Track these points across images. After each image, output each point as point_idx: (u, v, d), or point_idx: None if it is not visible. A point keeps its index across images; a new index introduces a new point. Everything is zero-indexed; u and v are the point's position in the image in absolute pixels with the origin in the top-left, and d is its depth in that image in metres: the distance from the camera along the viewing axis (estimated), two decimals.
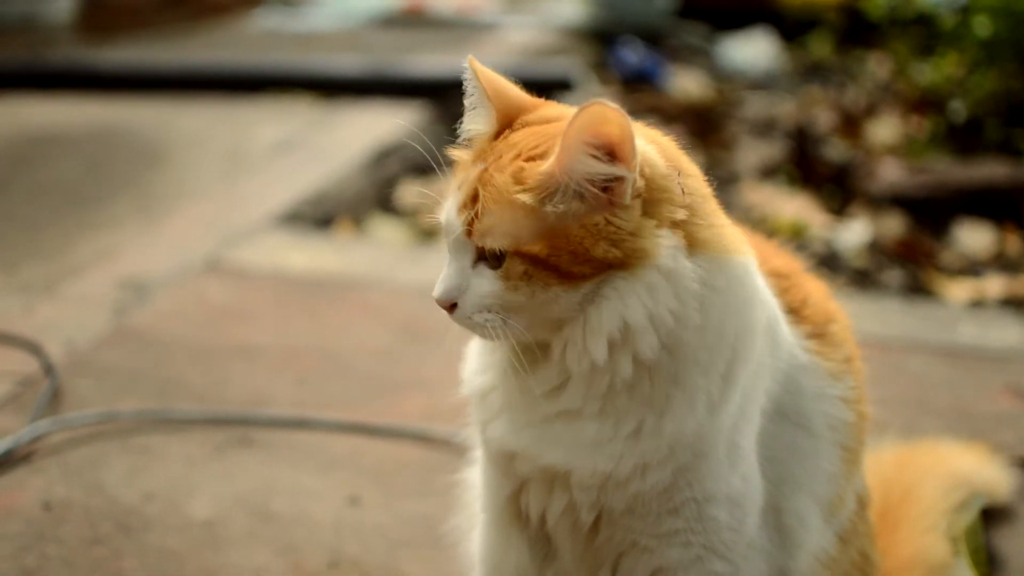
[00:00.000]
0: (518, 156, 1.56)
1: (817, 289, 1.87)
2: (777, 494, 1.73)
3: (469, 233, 1.56)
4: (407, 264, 4.06)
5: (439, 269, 1.63)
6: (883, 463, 2.40)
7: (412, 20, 9.02)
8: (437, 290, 1.59)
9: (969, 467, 2.53)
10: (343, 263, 4.04)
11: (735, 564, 1.69)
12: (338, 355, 3.32)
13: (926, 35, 6.57)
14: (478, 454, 1.88)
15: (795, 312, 1.78)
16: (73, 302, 3.58)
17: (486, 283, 1.56)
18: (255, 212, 4.46)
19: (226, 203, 4.65)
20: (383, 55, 6.93)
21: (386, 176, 5.12)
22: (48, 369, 3.05)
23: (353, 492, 2.62)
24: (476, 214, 1.55)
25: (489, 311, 1.57)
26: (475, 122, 1.67)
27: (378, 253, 4.27)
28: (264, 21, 8.52)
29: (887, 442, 2.48)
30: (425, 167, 5.11)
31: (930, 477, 2.42)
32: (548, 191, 1.51)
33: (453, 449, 2.01)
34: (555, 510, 1.70)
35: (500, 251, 1.54)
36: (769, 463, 1.72)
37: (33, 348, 3.15)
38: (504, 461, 1.70)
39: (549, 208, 1.51)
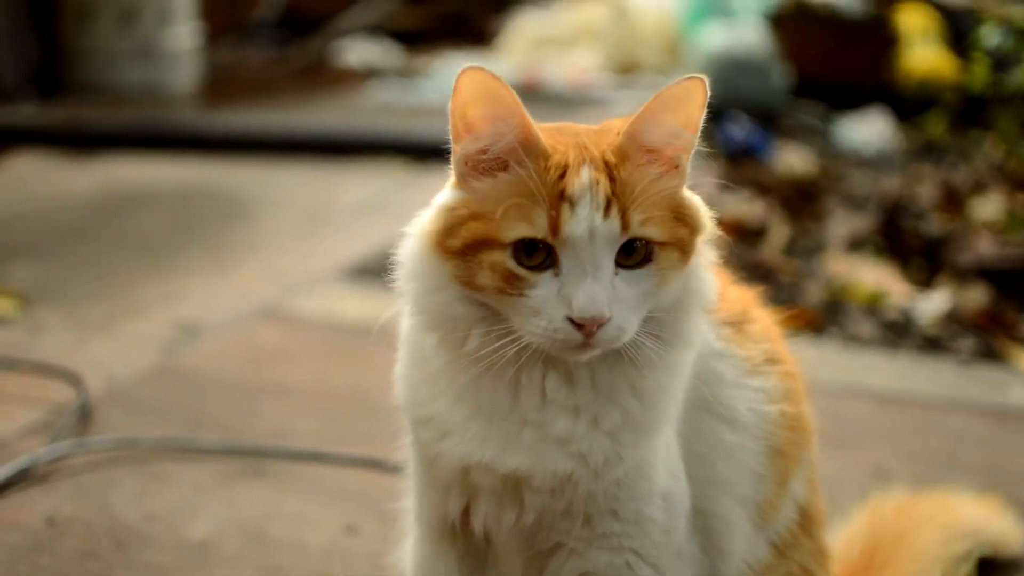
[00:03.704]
0: (600, 148, 1.50)
1: (738, 291, 1.80)
2: (702, 496, 1.66)
3: (625, 229, 1.44)
4: None
5: None
6: (881, 509, 2.32)
7: (526, 94, 9.06)
8: (590, 309, 1.41)
9: (977, 518, 2.41)
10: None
11: (662, 572, 1.63)
12: (368, 395, 3.32)
13: None
14: (409, 471, 1.83)
15: None
16: (125, 340, 3.67)
17: (636, 287, 1.46)
18: (323, 264, 4.53)
19: (296, 256, 4.73)
20: None
21: None
22: (81, 398, 3.13)
23: (352, 522, 2.62)
24: (624, 212, 1.44)
25: (637, 318, 1.46)
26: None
27: None
28: (379, 94, 8.68)
29: (892, 491, 2.41)
30: None
31: (930, 524, 2.31)
32: (683, 166, 1.52)
33: None
34: (506, 521, 1.62)
35: (650, 245, 1.46)
36: (691, 461, 1.65)
37: (73, 379, 3.23)
38: (458, 477, 1.62)
39: (682, 183, 1.53)
